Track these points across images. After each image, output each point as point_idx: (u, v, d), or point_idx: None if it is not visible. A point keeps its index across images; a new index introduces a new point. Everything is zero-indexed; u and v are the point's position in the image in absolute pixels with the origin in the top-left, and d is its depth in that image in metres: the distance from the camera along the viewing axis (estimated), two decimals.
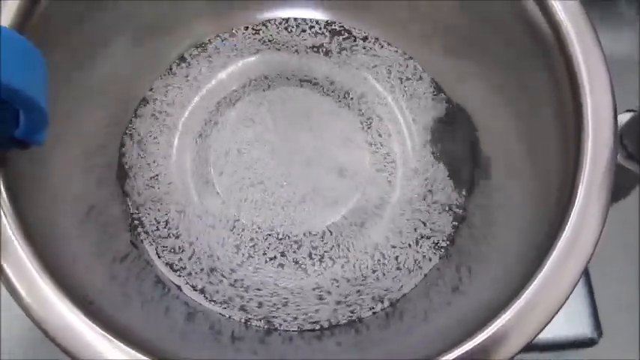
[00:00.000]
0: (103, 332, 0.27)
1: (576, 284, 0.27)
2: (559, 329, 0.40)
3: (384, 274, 0.38)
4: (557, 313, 0.27)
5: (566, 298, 0.27)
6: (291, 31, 0.42)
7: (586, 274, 0.41)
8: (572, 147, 0.30)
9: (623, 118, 0.37)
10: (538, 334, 0.27)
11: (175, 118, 0.40)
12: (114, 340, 0.27)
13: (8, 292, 0.27)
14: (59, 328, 0.27)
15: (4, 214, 0.28)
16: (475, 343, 0.27)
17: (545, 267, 0.28)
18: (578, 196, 0.28)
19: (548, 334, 0.40)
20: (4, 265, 0.27)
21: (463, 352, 0.27)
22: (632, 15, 0.48)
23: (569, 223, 0.28)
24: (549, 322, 0.27)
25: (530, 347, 0.40)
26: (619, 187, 0.40)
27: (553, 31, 0.31)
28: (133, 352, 0.27)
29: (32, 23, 0.31)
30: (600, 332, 0.40)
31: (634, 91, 0.43)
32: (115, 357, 0.27)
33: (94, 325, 0.27)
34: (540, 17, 0.32)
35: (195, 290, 0.37)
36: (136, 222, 0.38)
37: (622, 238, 0.43)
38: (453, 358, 0.27)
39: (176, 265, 0.37)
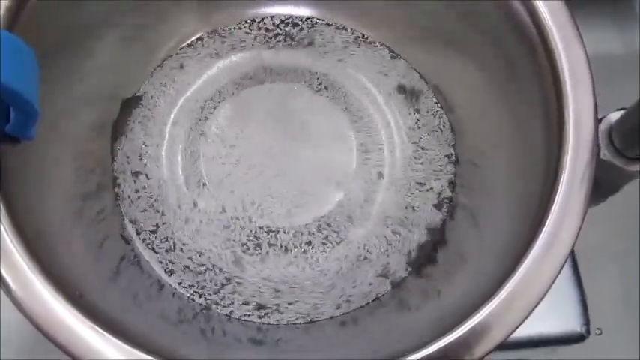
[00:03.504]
0: (94, 325, 0.27)
1: (556, 278, 0.28)
2: (548, 325, 0.40)
3: (371, 268, 0.38)
4: (537, 305, 0.28)
5: (546, 292, 0.28)
6: (277, 27, 0.42)
7: (575, 269, 0.41)
8: (554, 146, 0.30)
9: (615, 116, 0.37)
10: (519, 326, 0.27)
11: (165, 116, 0.40)
12: (104, 333, 0.27)
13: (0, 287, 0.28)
14: (50, 321, 0.27)
15: None
16: (456, 336, 0.27)
17: (526, 261, 0.28)
18: (558, 193, 0.29)
19: (537, 330, 0.40)
20: None
21: (445, 344, 0.27)
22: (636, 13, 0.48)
23: (549, 218, 0.29)
24: (530, 314, 0.28)
25: (519, 344, 0.40)
26: (608, 184, 0.40)
27: (538, 33, 0.32)
28: (124, 345, 0.27)
29: (21, 20, 0.31)
30: (589, 328, 0.40)
31: (633, 90, 0.43)
32: (106, 350, 0.27)
33: (85, 319, 0.27)
34: (526, 18, 0.32)
35: (185, 285, 0.37)
36: (127, 218, 0.38)
37: (611, 233, 0.43)
38: (433, 350, 0.27)
39: (168, 260, 0.38)
